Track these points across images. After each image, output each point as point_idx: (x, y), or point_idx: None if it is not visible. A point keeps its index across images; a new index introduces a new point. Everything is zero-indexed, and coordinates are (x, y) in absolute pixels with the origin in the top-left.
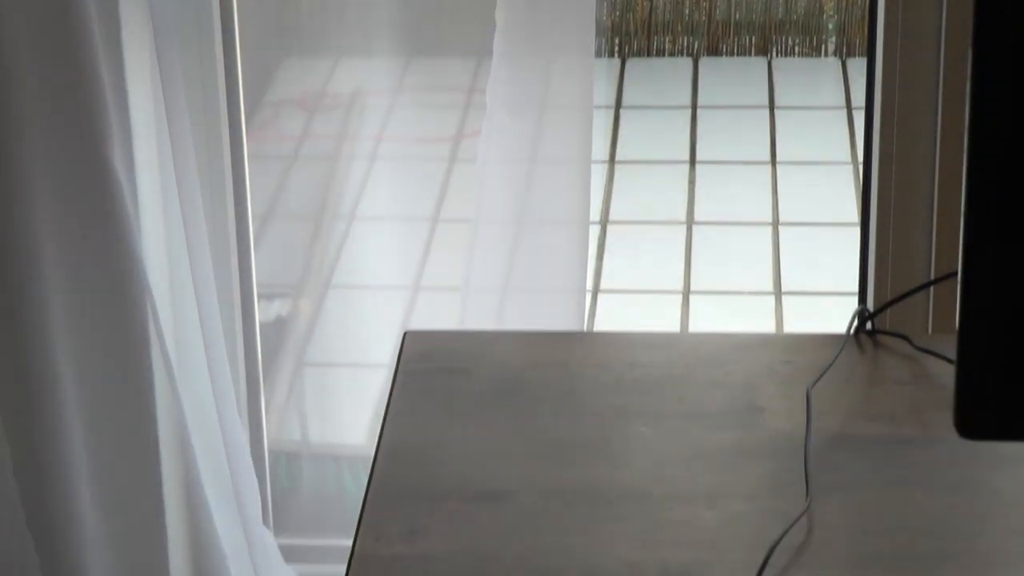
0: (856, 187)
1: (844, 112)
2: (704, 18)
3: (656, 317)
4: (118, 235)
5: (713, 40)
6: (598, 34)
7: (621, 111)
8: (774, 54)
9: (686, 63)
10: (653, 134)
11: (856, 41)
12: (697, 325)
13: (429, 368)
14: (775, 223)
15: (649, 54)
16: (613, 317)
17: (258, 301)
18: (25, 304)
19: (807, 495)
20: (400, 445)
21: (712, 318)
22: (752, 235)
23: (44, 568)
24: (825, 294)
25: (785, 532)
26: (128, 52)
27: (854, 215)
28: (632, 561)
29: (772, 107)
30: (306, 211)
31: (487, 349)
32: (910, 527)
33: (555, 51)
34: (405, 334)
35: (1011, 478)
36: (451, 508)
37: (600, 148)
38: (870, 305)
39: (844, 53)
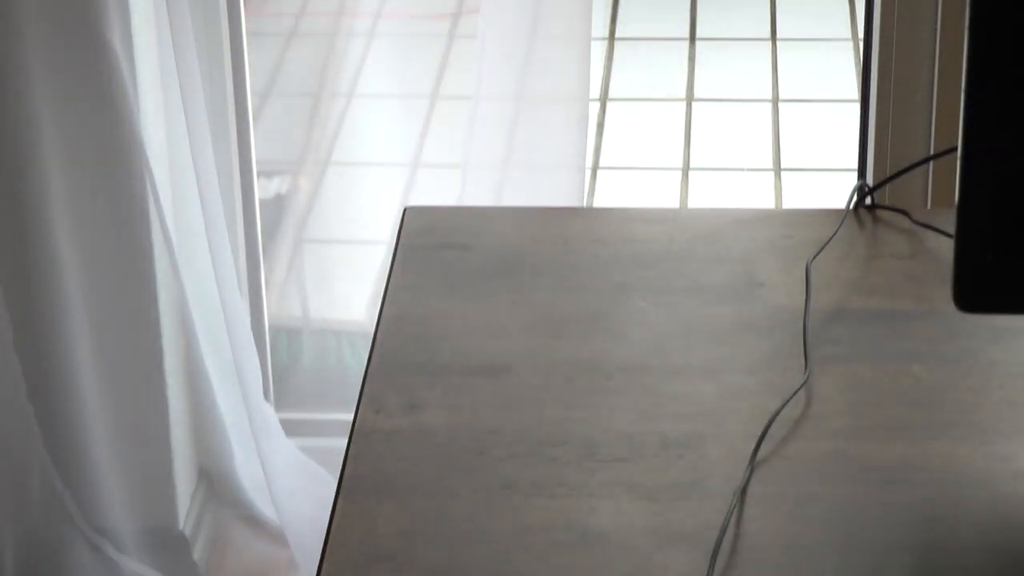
0: (856, 63)
1: None
2: None
3: (655, 194)
4: (117, 114)
5: None
6: None
7: None
8: None
9: None
10: (653, 10)
11: None
12: (696, 202)
13: (429, 244)
14: (775, 100)
15: None
16: (612, 194)
17: (257, 178)
18: (26, 184)
19: (806, 368)
20: (400, 319)
21: (711, 195)
22: (752, 112)
23: (46, 441)
24: (825, 171)
25: (784, 405)
26: None
27: (854, 92)
28: (631, 433)
29: None
30: (305, 88)
31: (487, 225)
32: (907, 399)
33: None
34: (405, 210)
35: (1008, 350)
36: (451, 382)
37: (600, 24)
38: (870, 180)
39: None
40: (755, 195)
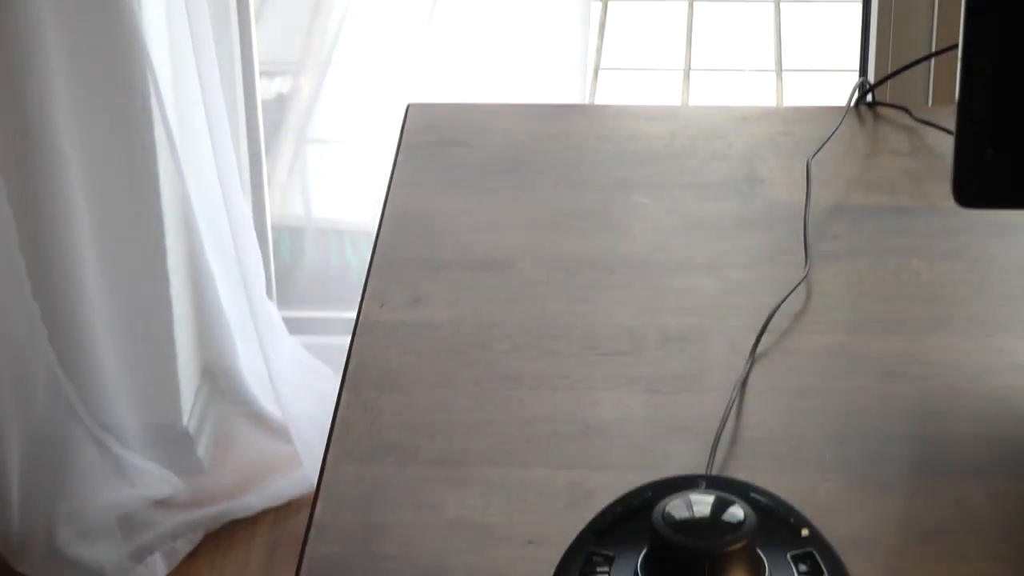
0: None
1: None
2: None
3: (657, 95)
4: (119, 13)
5: None
6: None
7: None
8: None
9: None
10: None
11: None
12: (698, 102)
13: (432, 140)
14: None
15: None
16: (613, 95)
17: (259, 78)
18: (28, 84)
19: (806, 263)
20: (403, 215)
21: (713, 96)
22: (754, 11)
23: (52, 339)
24: (826, 71)
25: (784, 299)
26: None
27: None
28: (632, 327)
29: None
30: None
31: (489, 122)
32: (906, 294)
33: None
34: (408, 107)
35: (1006, 245)
36: (454, 276)
37: None
38: (871, 78)
39: None
40: (756, 96)
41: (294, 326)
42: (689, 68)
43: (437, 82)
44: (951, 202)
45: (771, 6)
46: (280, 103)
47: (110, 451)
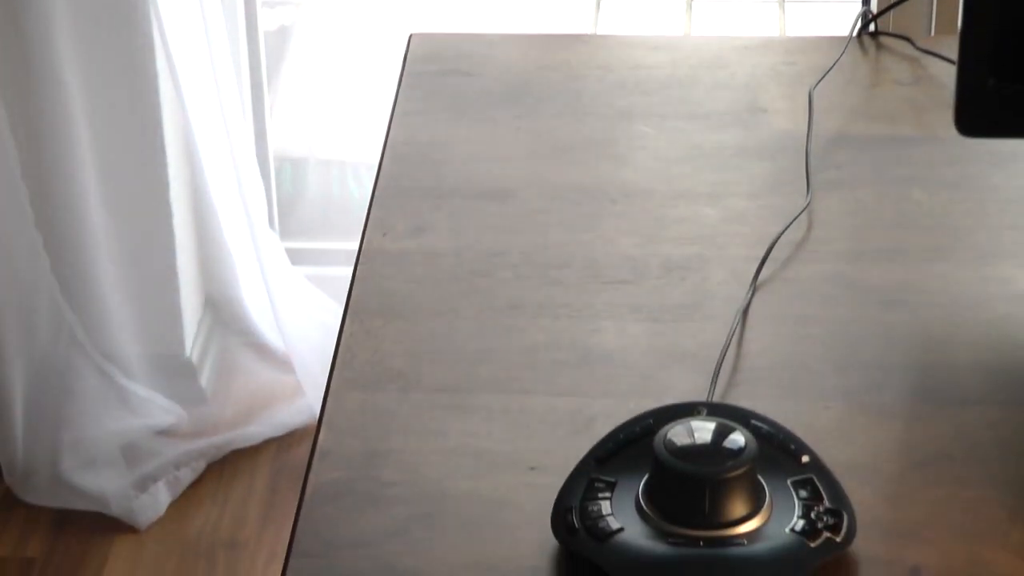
0: None
1: None
2: None
3: (659, 25)
4: None
5: None
6: None
7: None
8: None
9: None
10: None
11: None
12: (700, 32)
13: (434, 70)
14: None
15: None
16: (616, 25)
17: (261, 7)
18: (29, 13)
19: (807, 193)
20: (406, 145)
21: (715, 25)
22: None
23: (54, 269)
24: (829, 1)
25: (785, 228)
26: None
27: None
28: (634, 256)
29: None
30: None
31: (492, 51)
32: (908, 223)
33: None
34: (410, 37)
35: (1008, 175)
36: (457, 205)
37: None
38: (874, 7)
39: None
40: (759, 26)
41: (296, 257)
42: None
43: (439, 12)
44: (953, 132)
45: None
46: (282, 34)
47: (113, 381)
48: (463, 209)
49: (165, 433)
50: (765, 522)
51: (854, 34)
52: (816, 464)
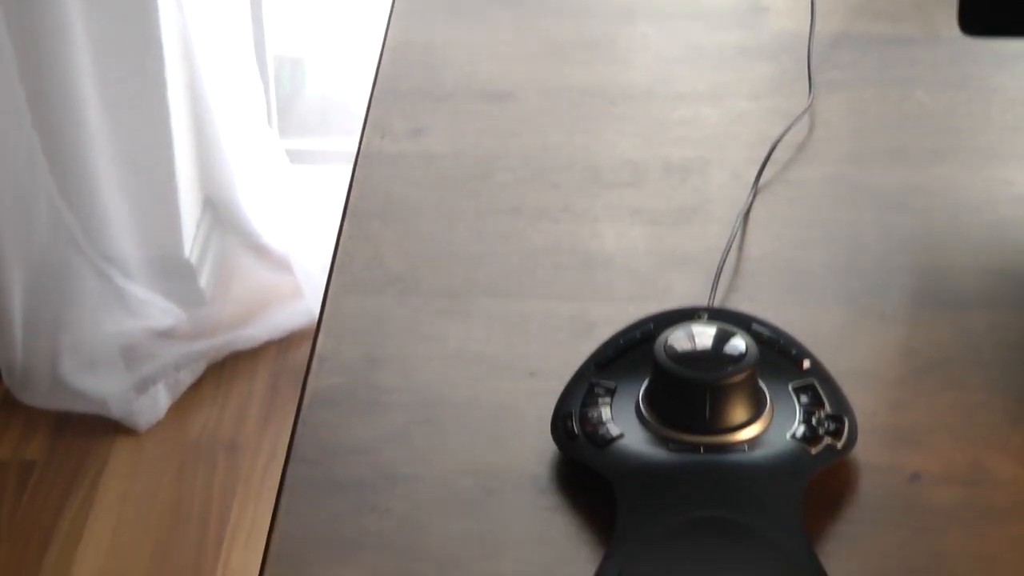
0: None
1: None
2: None
3: None
4: None
5: None
6: None
7: None
8: None
9: None
10: None
11: None
12: None
13: None
14: None
15: None
16: None
17: None
18: None
19: (809, 93)
20: (404, 45)
21: None
22: None
23: (52, 170)
24: None
25: (787, 129)
26: None
27: None
28: (634, 158)
29: None
30: None
31: None
32: (910, 125)
33: None
34: None
35: (1012, 76)
36: (456, 107)
37: None
38: None
39: None
40: None
41: (295, 156)
42: None
43: None
44: (956, 31)
45: None
46: None
47: (112, 282)
48: (462, 111)
49: (164, 335)
50: (766, 428)
51: None
52: (817, 369)
